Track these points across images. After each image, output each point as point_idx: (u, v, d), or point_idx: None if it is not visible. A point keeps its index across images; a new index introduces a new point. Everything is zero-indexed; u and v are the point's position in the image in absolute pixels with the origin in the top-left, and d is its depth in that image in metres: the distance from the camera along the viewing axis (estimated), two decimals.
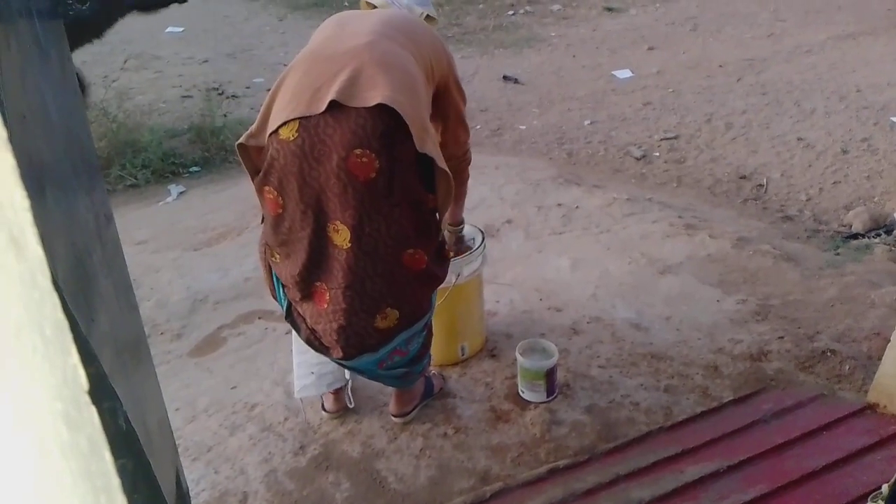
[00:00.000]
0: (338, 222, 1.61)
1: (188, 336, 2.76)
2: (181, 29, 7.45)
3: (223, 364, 2.55)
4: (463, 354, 2.38)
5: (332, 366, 2.01)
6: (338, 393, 2.16)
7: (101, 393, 0.69)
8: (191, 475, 1.98)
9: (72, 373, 0.42)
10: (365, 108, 1.53)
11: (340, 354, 1.78)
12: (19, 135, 0.73)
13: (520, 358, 2.17)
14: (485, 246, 2.29)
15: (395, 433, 2.10)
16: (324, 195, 1.59)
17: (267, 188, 1.64)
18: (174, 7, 4.62)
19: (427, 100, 1.74)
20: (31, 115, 0.81)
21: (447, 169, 1.65)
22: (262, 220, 1.79)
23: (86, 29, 4.11)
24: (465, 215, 2.26)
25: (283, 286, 1.81)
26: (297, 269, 1.70)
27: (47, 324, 0.40)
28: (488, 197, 3.65)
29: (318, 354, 1.88)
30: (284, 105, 1.59)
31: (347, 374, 2.12)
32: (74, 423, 0.41)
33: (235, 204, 3.83)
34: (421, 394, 2.17)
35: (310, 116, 1.55)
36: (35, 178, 0.81)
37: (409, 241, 1.68)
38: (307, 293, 1.74)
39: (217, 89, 5.85)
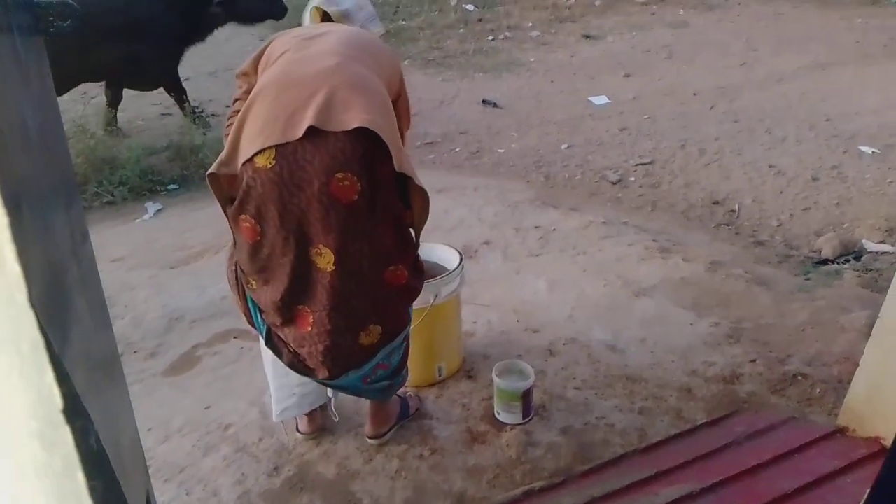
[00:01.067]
0: (321, 246, 1.61)
1: (163, 355, 2.73)
2: None
3: (198, 383, 2.52)
4: (440, 375, 2.38)
5: (314, 384, 2.00)
6: (312, 415, 2.14)
7: (74, 412, 0.69)
8: (162, 497, 1.95)
9: (47, 391, 0.42)
10: (343, 131, 1.54)
11: (326, 375, 1.78)
12: None
13: (496, 379, 2.17)
14: (462, 267, 2.31)
15: (371, 454, 2.09)
16: (305, 220, 1.58)
17: (243, 216, 1.62)
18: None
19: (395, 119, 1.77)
20: (10, 131, 0.80)
21: (424, 186, 1.67)
22: (234, 246, 1.77)
23: (191, 34, 4.59)
24: (445, 236, 2.27)
25: (261, 311, 1.79)
26: (278, 294, 1.69)
27: (24, 341, 0.41)
28: (467, 218, 3.67)
29: (299, 375, 1.87)
30: (257, 132, 1.57)
31: (329, 391, 2.11)
32: (49, 442, 0.41)
33: (213, 222, 3.80)
34: (397, 415, 2.16)
35: (286, 143, 1.54)
36: (12, 195, 0.81)
37: (390, 258, 1.70)
38: (289, 317, 1.73)
39: (197, 108, 5.83)
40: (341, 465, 2.06)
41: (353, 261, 1.64)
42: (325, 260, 1.63)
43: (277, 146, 1.54)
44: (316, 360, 1.75)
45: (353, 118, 1.54)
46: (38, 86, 0.95)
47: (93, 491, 0.49)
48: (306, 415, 2.14)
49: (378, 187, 1.59)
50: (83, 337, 0.97)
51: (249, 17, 5.03)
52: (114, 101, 5.26)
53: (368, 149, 1.56)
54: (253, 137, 1.57)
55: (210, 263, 3.41)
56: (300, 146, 1.54)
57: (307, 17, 2.03)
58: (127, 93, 5.66)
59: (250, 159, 1.56)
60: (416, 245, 1.81)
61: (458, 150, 5.02)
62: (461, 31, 8.34)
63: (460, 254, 2.34)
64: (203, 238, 3.70)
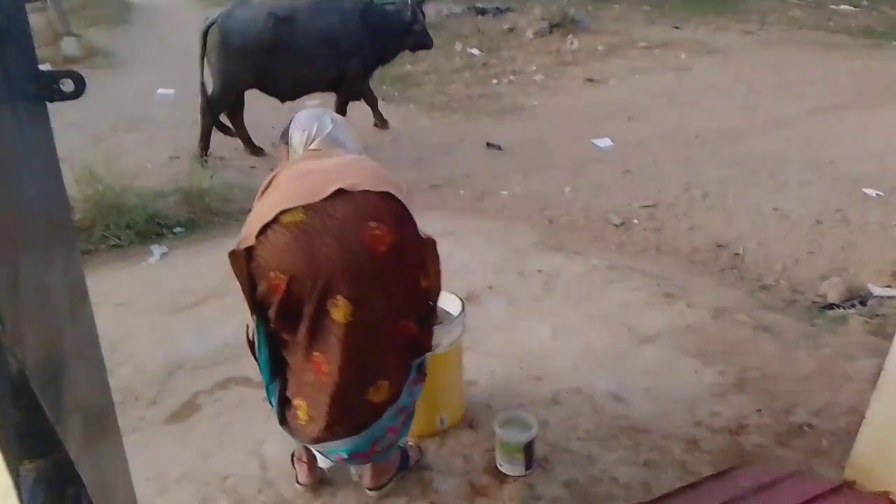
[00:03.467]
0: (338, 297, 1.64)
1: (163, 402, 2.71)
2: (172, 91, 7.57)
3: (198, 432, 2.50)
4: (442, 425, 2.36)
5: None
6: (312, 466, 2.12)
7: (66, 480, 0.68)
8: None
9: None
10: (373, 191, 1.62)
11: (322, 428, 1.75)
12: None
13: (498, 431, 2.15)
14: (465, 315, 2.30)
15: None
16: (329, 267, 1.61)
17: (273, 273, 1.63)
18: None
19: None
20: (9, 202, 0.82)
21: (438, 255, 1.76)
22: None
23: (384, 57, 6.13)
24: (448, 281, 2.27)
25: (276, 392, 1.83)
26: (300, 335, 1.71)
27: None
28: (470, 263, 3.67)
29: None
30: (278, 201, 1.61)
31: (323, 461, 2.07)
32: None
33: (218, 266, 3.78)
34: (397, 466, 2.14)
35: (314, 203, 1.59)
36: (7, 262, 0.82)
37: (402, 311, 1.75)
38: (308, 358, 1.74)
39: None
40: None
41: (368, 312, 1.66)
42: (340, 312, 1.65)
43: (305, 205, 1.59)
44: (320, 411, 1.74)
45: (380, 185, 1.65)
46: (40, 153, 0.97)
47: None
48: (306, 465, 2.12)
49: (405, 246, 1.66)
50: (78, 400, 0.98)
51: (417, 47, 6.38)
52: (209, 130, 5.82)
53: (398, 208, 1.65)
54: (275, 205, 1.61)
55: (213, 309, 3.41)
56: (329, 204, 1.59)
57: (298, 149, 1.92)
58: (134, 137, 5.76)
59: (275, 219, 1.59)
60: (434, 311, 1.88)
61: (462, 193, 5.06)
62: (466, 75, 8.47)
63: (462, 301, 2.33)
64: (207, 283, 3.70)
